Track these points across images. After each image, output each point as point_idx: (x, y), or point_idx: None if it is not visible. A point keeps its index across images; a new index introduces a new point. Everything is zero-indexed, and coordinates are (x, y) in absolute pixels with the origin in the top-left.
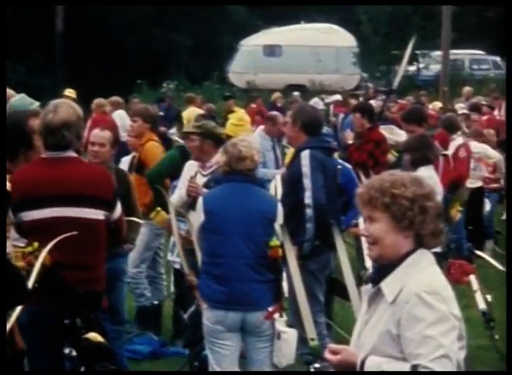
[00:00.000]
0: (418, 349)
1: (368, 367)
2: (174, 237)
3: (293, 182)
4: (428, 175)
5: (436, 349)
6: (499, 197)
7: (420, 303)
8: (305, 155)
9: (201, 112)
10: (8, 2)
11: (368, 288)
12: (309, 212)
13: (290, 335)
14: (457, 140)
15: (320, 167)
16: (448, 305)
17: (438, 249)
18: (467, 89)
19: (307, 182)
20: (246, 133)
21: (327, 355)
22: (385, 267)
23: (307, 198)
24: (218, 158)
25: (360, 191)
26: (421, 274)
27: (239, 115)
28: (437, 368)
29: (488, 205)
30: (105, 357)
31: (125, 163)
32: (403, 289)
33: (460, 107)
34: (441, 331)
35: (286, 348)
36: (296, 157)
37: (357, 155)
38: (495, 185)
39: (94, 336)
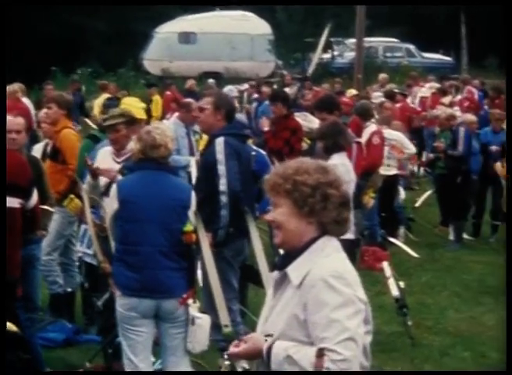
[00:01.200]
0: (324, 333)
1: (274, 353)
2: (85, 226)
3: (207, 169)
4: (341, 162)
5: (342, 332)
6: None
7: (325, 287)
8: (220, 141)
9: None
10: (9, 2)
11: (274, 274)
12: (223, 198)
13: (204, 321)
14: (371, 127)
15: (235, 154)
16: (353, 289)
17: (351, 236)
18: (382, 76)
19: (221, 169)
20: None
21: (231, 348)
22: (291, 253)
23: (222, 185)
24: (133, 145)
25: (267, 177)
26: (326, 259)
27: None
28: (342, 351)
29: (402, 193)
30: (18, 346)
31: (37, 151)
32: (309, 273)
33: (378, 95)
34: (346, 314)
35: (200, 334)
36: (211, 144)
37: (273, 142)
38: (403, 172)
39: (8, 326)
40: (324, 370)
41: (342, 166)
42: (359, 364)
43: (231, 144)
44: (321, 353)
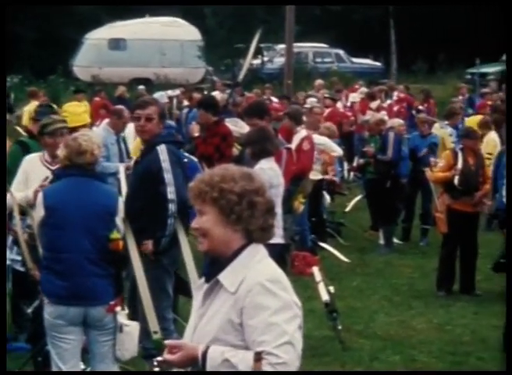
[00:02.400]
0: (262, 336)
1: (211, 357)
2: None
3: (148, 176)
4: (269, 166)
5: (280, 336)
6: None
7: (263, 291)
8: (162, 149)
9: None
10: (9, 2)
11: (200, 283)
12: (172, 207)
13: (132, 328)
14: (301, 132)
15: (177, 161)
16: (289, 294)
17: (281, 240)
18: (318, 81)
19: (168, 177)
20: (71, 123)
21: (166, 356)
22: (220, 261)
23: (171, 193)
24: (59, 152)
25: (191, 184)
26: (260, 265)
27: (63, 107)
28: (281, 354)
29: (327, 198)
30: None
31: None
32: (245, 279)
33: (312, 101)
34: (284, 318)
35: (129, 342)
36: (151, 151)
37: (203, 148)
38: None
39: None
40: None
41: (270, 170)
42: (296, 368)
43: (173, 152)
44: (259, 357)
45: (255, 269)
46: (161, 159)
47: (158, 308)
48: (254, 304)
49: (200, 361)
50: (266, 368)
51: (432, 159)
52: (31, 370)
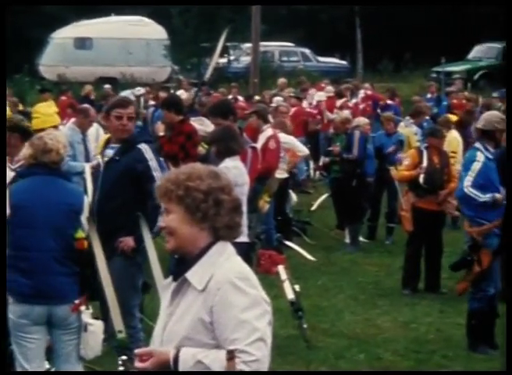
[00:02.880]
0: (234, 334)
1: (183, 360)
2: None
3: (132, 175)
4: (234, 165)
5: (252, 333)
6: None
7: (233, 289)
8: (146, 148)
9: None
10: (9, 2)
11: (168, 282)
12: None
13: (97, 327)
14: (267, 131)
15: (159, 160)
16: (258, 290)
17: (247, 239)
18: (281, 80)
19: (158, 175)
20: (43, 124)
21: (137, 364)
22: (187, 259)
23: None
24: (25, 151)
25: (158, 183)
26: (227, 263)
27: (34, 108)
28: (254, 351)
29: (294, 196)
30: None
31: None
32: (213, 277)
33: (278, 100)
34: (255, 315)
35: (93, 340)
36: (131, 150)
37: (169, 146)
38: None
39: None
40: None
41: (235, 168)
42: (268, 364)
43: (153, 151)
44: (232, 355)
45: (223, 267)
46: (147, 158)
47: (128, 305)
48: (224, 302)
49: (172, 365)
50: (240, 366)
51: (398, 156)
52: (31, 370)
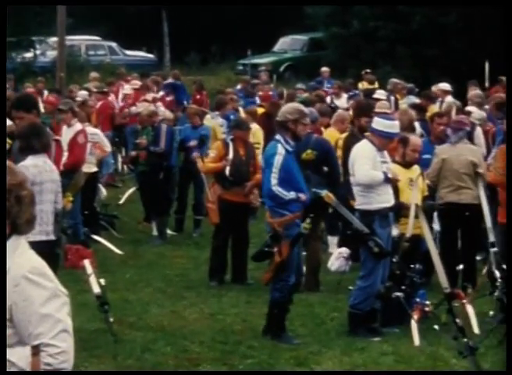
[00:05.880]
0: (38, 329)
1: None
2: None
3: None
4: (33, 164)
5: (55, 325)
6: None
7: (29, 284)
8: None
9: None
10: (9, 2)
11: None
12: None
13: None
14: (76, 126)
15: None
16: (54, 283)
17: (52, 237)
18: (93, 74)
19: None
20: None
21: None
22: None
23: None
24: None
25: None
26: (22, 257)
27: None
28: (59, 343)
29: (103, 190)
30: None
31: None
32: (8, 273)
33: (83, 94)
34: (55, 307)
35: None
36: None
37: None
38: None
39: None
40: (45, 366)
41: (33, 167)
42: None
43: None
44: (36, 350)
45: (17, 263)
46: None
47: None
48: (23, 297)
49: None
50: (46, 359)
51: (195, 154)
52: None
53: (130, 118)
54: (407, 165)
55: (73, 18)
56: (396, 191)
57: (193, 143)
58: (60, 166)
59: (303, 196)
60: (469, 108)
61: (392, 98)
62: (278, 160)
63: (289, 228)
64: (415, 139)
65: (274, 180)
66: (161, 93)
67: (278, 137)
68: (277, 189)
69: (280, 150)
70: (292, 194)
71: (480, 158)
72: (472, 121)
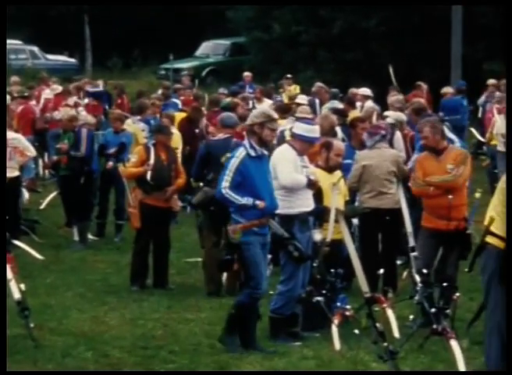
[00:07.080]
0: None
1: None
2: None
3: None
4: None
5: None
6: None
7: None
8: None
9: None
10: (9, 2)
11: None
12: None
13: None
14: None
15: None
16: None
17: None
18: (13, 79)
19: None
20: None
21: None
22: None
23: None
24: None
25: None
26: None
27: None
28: None
29: (26, 194)
30: None
31: None
32: None
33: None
34: None
35: None
36: None
37: None
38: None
39: None
40: None
41: None
42: None
43: None
44: None
45: None
46: None
47: None
48: None
49: None
50: None
51: (110, 163)
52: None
53: (51, 123)
54: (330, 169)
55: None
56: (320, 196)
57: (111, 151)
58: None
59: (261, 203)
60: (386, 112)
61: (317, 100)
62: (233, 163)
63: (245, 235)
64: (339, 144)
65: (225, 183)
66: (86, 100)
67: (245, 141)
68: (227, 192)
69: (239, 154)
70: (246, 200)
71: (400, 161)
72: (391, 123)
